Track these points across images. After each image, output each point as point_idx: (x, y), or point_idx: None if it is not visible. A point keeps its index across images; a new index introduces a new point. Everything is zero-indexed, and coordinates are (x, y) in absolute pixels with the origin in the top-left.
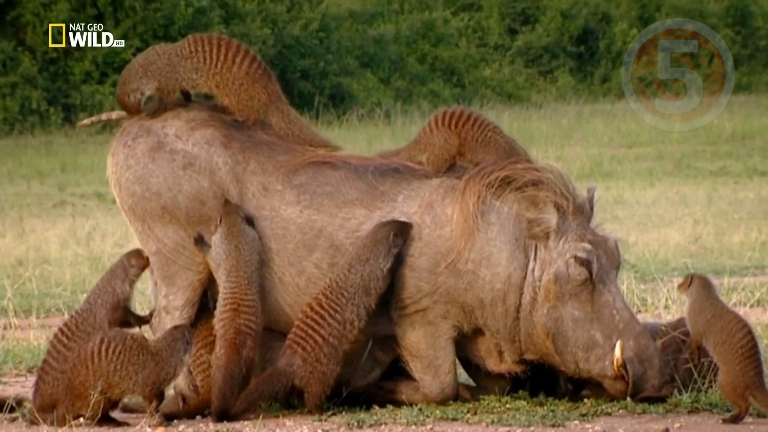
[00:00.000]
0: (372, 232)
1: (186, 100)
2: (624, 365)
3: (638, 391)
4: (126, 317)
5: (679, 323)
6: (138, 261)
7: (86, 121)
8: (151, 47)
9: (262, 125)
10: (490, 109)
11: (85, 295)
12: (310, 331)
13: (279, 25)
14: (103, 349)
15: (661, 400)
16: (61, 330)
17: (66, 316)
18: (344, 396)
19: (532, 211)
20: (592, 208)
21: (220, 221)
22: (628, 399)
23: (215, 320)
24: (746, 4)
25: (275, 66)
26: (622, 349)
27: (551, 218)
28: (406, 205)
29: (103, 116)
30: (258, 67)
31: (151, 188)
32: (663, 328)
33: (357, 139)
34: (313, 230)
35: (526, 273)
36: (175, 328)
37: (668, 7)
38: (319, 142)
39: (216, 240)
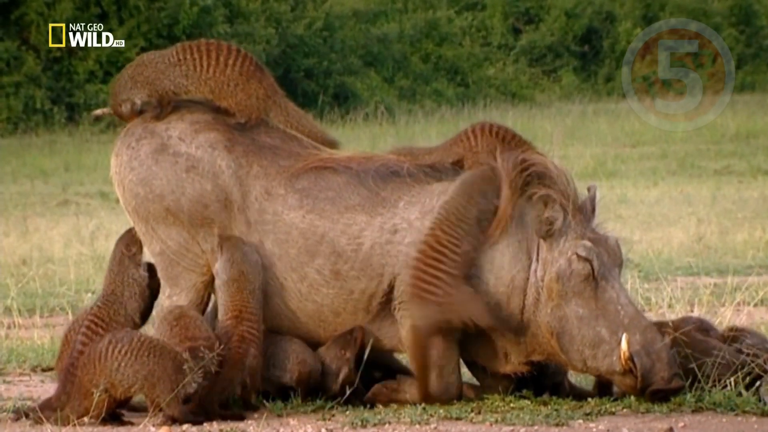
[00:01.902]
0: (469, 175)
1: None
2: (631, 358)
3: (647, 384)
4: (151, 301)
5: (682, 322)
6: (134, 245)
7: (98, 112)
8: (140, 56)
9: (266, 129)
10: (494, 108)
11: (100, 292)
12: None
13: (283, 24)
14: (110, 348)
15: (673, 393)
16: (94, 322)
17: (70, 317)
18: (347, 395)
19: (543, 210)
20: (593, 209)
21: (220, 247)
22: (632, 398)
23: (217, 329)
24: (750, 3)
25: (279, 65)
26: (629, 343)
27: (559, 216)
28: (407, 210)
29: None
30: (250, 63)
31: (155, 190)
32: (671, 324)
33: (360, 138)
34: (315, 236)
35: (528, 274)
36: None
37: (672, 6)
38: (317, 134)
39: (219, 266)
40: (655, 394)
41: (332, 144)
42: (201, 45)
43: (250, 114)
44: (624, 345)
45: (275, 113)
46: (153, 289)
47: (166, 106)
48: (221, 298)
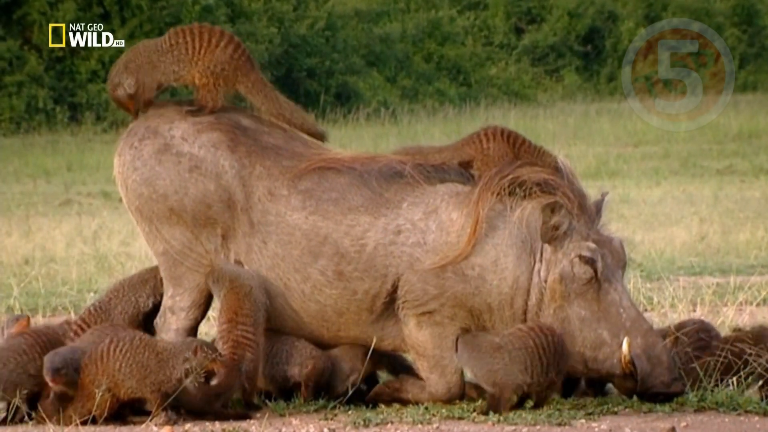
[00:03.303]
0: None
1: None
2: (632, 362)
3: (647, 387)
4: (140, 328)
5: (684, 324)
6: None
7: None
8: (138, 43)
9: (269, 129)
10: (496, 108)
11: (102, 294)
12: None
13: (285, 23)
14: (112, 348)
15: (673, 396)
16: (80, 327)
17: (72, 316)
18: (349, 395)
19: (550, 217)
20: (599, 212)
21: (208, 281)
22: (635, 398)
23: (216, 334)
24: (752, 3)
25: (281, 65)
26: (630, 346)
27: (565, 221)
28: (411, 211)
29: None
30: (242, 54)
31: (158, 190)
32: (671, 327)
33: (363, 137)
34: (318, 237)
35: (532, 275)
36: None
37: (674, 6)
38: (309, 127)
39: (214, 294)
40: (654, 397)
41: (321, 136)
42: (194, 28)
43: (211, 99)
44: (625, 348)
45: (268, 106)
46: (145, 324)
47: (143, 104)
48: (219, 307)
